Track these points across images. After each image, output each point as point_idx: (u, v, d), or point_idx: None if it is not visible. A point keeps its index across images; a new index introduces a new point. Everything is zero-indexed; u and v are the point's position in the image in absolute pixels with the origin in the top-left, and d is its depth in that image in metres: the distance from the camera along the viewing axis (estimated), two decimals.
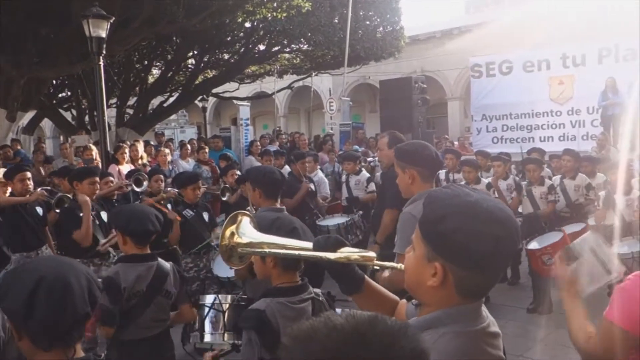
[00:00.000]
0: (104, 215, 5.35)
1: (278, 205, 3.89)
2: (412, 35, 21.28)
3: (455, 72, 24.14)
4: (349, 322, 0.88)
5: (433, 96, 16.40)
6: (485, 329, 1.40)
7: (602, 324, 1.99)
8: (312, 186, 7.46)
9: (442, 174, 8.00)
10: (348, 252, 1.71)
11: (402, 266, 1.56)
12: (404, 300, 1.78)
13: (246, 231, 2.03)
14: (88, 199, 5.15)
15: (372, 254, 1.72)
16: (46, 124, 27.59)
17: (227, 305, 3.42)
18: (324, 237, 1.81)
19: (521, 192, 6.98)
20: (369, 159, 10.97)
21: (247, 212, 2.10)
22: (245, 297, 3.55)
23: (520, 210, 6.96)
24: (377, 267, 1.83)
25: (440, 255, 1.35)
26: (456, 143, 15.17)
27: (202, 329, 3.39)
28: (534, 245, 5.97)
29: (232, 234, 2.02)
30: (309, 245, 1.85)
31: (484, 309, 1.45)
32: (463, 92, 24.38)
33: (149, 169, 8.25)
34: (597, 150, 10.28)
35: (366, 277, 1.82)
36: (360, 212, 7.36)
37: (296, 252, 1.91)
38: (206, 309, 3.43)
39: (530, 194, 6.84)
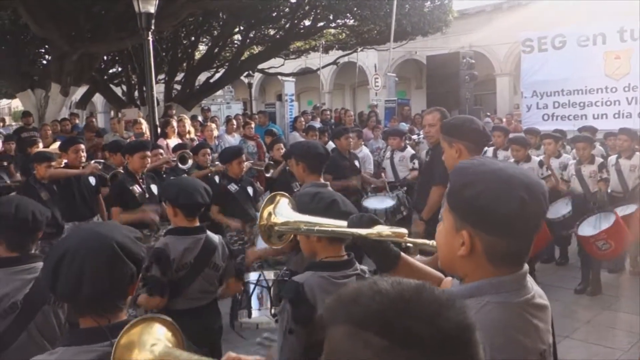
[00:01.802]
0: (154, 187, 5.48)
1: (322, 180, 3.92)
2: (460, 9, 20.80)
3: (505, 47, 23.45)
4: (395, 287, 0.87)
5: (481, 72, 16.02)
6: (530, 301, 1.37)
7: None
8: (356, 163, 7.43)
9: (489, 151, 7.84)
10: (380, 229, 1.73)
11: (434, 242, 1.55)
12: (449, 277, 1.74)
13: (283, 211, 2.07)
14: (156, 217, 5.28)
15: (404, 230, 1.73)
16: (97, 99, 28.30)
17: (272, 281, 3.46)
18: (357, 216, 1.84)
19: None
20: (413, 136, 10.85)
21: (285, 194, 2.15)
22: (289, 272, 3.59)
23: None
24: (410, 244, 1.83)
25: (467, 223, 1.33)
26: (504, 120, 14.83)
27: (249, 306, 3.43)
28: (587, 231, 5.80)
29: (270, 214, 2.07)
30: (344, 223, 1.87)
31: (530, 280, 1.41)
32: (513, 68, 23.71)
33: (196, 143, 8.38)
34: None
35: (403, 254, 1.82)
36: (404, 188, 7.32)
37: (329, 229, 1.94)
38: (251, 286, 3.48)
39: (579, 173, 6.65)
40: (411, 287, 0.87)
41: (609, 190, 6.68)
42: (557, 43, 14.23)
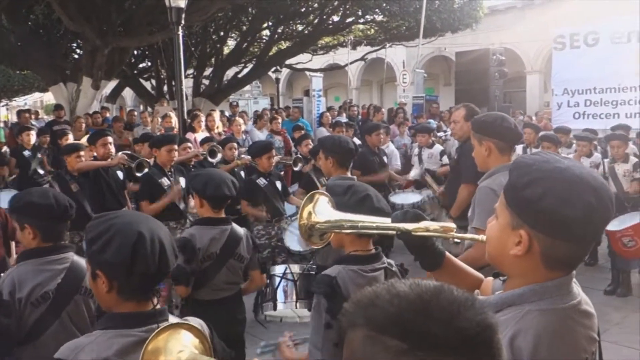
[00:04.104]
0: (182, 181, 5.54)
1: (349, 175, 3.92)
2: (491, 5, 20.54)
3: (536, 45, 23.07)
4: (413, 289, 0.85)
5: (511, 69, 15.82)
6: (576, 307, 1.32)
7: None
8: (385, 159, 7.40)
9: (519, 149, 7.74)
10: (427, 224, 1.65)
11: (484, 238, 1.48)
12: (490, 278, 1.68)
13: (324, 210, 2.04)
14: (180, 189, 5.36)
15: (452, 225, 1.64)
16: (127, 94, 28.72)
17: (298, 275, 3.47)
18: (402, 212, 1.77)
19: (604, 171, 6.67)
20: (439, 134, 10.76)
21: (324, 192, 2.12)
22: (316, 266, 3.60)
23: None
24: (458, 240, 1.76)
25: (526, 223, 1.28)
26: (534, 118, 14.63)
27: (274, 299, 3.45)
28: (614, 225, 5.70)
29: (310, 213, 2.02)
30: (387, 220, 1.82)
31: (577, 286, 1.36)
32: (543, 66, 23.34)
33: (222, 137, 8.45)
34: None
35: (447, 253, 1.75)
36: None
37: (374, 225, 1.87)
38: (277, 279, 3.49)
39: (612, 172, 6.53)
40: (430, 288, 0.86)
41: None
42: (590, 40, 13.96)
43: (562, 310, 1.29)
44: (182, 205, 5.45)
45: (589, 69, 13.68)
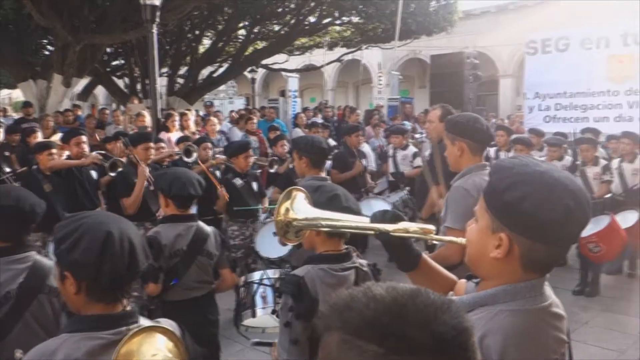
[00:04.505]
0: None
1: (323, 175, 3.93)
2: (466, 9, 20.75)
3: (509, 49, 23.44)
4: (389, 293, 0.85)
5: (484, 73, 16.02)
6: (547, 309, 1.34)
7: None
8: (364, 161, 7.42)
9: (491, 151, 7.84)
10: (406, 225, 1.65)
11: (464, 240, 1.49)
12: (464, 280, 1.70)
13: (301, 207, 2.02)
14: (147, 170, 5.26)
15: (431, 227, 1.64)
16: (99, 92, 28.26)
17: (276, 280, 3.44)
18: (381, 212, 1.76)
19: (574, 173, 6.80)
20: (416, 135, 10.85)
21: (302, 188, 2.09)
22: (291, 269, 3.58)
23: None
24: (436, 242, 1.75)
25: (506, 226, 1.29)
26: (506, 121, 14.84)
27: (253, 305, 3.40)
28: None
29: (287, 209, 2.00)
30: (366, 220, 1.81)
31: (548, 288, 1.38)
32: (516, 70, 23.70)
33: (197, 137, 8.38)
34: None
35: (423, 254, 1.76)
36: (407, 188, 7.30)
37: (353, 224, 1.87)
38: (255, 286, 3.46)
39: (583, 175, 6.66)
40: (406, 292, 0.86)
41: (612, 193, 6.68)
42: (561, 45, 14.24)
43: (532, 311, 1.31)
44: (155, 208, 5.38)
45: (560, 73, 13.96)
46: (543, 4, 21.57)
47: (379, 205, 6.76)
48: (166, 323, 1.79)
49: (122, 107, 16.73)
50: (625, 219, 6.02)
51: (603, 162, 6.82)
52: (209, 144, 6.94)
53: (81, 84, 17.09)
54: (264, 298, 3.43)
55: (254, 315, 3.38)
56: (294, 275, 2.40)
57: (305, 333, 2.28)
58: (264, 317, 3.40)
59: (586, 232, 5.71)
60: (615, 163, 6.93)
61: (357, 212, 2.32)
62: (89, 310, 1.71)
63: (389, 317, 0.82)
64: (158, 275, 3.29)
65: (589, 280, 6.36)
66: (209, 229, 3.58)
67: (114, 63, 20.43)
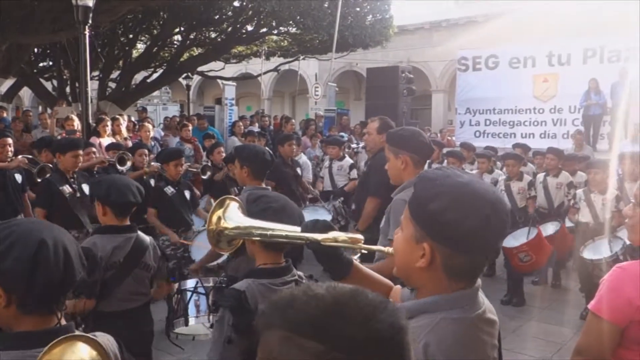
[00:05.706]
0: (85, 188, 5.26)
1: (263, 186, 3.91)
2: (400, 25, 21.26)
3: (442, 65, 24.21)
4: (330, 292, 0.87)
5: (418, 88, 16.46)
6: (482, 316, 1.38)
7: (588, 317, 2.03)
8: (298, 170, 7.42)
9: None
10: (336, 234, 1.68)
11: (391, 250, 1.52)
12: (399, 286, 1.73)
13: (233, 216, 2.00)
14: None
15: (359, 236, 1.68)
16: (25, 93, 27.11)
17: (209, 288, 3.37)
18: (312, 221, 1.77)
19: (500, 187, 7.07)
20: (352, 145, 10.99)
21: (235, 198, 2.08)
22: (227, 278, 3.52)
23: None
24: (365, 251, 1.79)
25: (429, 235, 1.32)
26: (439, 135, 15.28)
27: (186, 314, 3.31)
28: (510, 242, 6.04)
29: (219, 218, 1.99)
30: (297, 229, 1.82)
31: (481, 295, 1.43)
32: (448, 85, 24.50)
33: (130, 143, 8.16)
34: (576, 149, 10.41)
35: (355, 262, 1.77)
36: (341, 198, 7.36)
37: (283, 234, 1.88)
38: (188, 294, 3.37)
39: (508, 189, 6.93)
40: (346, 291, 0.88)
41: (537, 206, 7.00)
42: (491, 63, 14.86)
43: (470, 319, 1.35)
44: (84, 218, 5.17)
45: (490, 90, 14.54)
46: (475, 23, 22.43)
47: (320, 212, 6.84)
48: (101, 336, 1.71)
49: (49, 110, 16.08)
50: (546, 229, 6.36)
51: (528, 177, 7.13)
52: (145, 150, 6.77)
53: (6, 84, 16.31)
54: (197, 307, 3.35)
55: (186, 323, 3.30)
56: (234, 290, 2.34)
57: (242, 347, 2.24)
58: (195, 325, 3.33)
59: (516, 242, 5.96)
60: (540, 177, 7.27)
61: (296, 223, 2.32)
62: (20, 325, 1.59)
63: (329, 315, 0.83)
64: (92, 289, 3.15)
65: (515, 290, 6.61)
66: (148, 240, 3.45)
67: (42, 64, 19.65)
